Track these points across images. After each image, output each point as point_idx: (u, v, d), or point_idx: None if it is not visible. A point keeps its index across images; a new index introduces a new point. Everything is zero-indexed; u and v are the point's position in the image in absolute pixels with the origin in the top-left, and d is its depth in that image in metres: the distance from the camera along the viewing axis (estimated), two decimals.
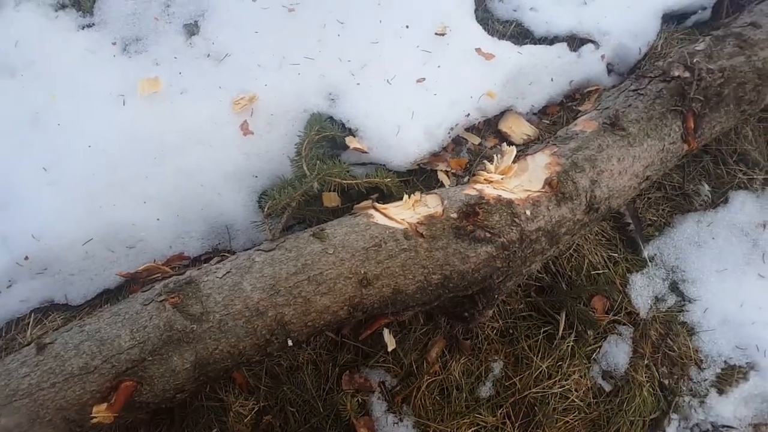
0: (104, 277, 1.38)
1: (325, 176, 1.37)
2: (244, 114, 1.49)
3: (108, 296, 1.40)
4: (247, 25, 1.59)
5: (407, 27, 1.65)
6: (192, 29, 1.58)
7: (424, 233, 1.27)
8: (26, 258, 1.33)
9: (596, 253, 1.63)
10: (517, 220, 1.31)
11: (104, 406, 1.09)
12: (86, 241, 1.35)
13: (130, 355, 1.10)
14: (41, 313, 1.37)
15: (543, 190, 1.36)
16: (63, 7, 1.58)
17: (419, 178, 1.57)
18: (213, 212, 1.44)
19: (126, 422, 1.22)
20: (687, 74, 1.54)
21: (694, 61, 1.57)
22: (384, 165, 1.53)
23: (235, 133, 1.47)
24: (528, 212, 1.33)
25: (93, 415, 1.08)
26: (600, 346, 1.58)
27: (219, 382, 1.36)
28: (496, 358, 1.52)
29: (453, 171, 1.59)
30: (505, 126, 1.67)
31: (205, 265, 1.25)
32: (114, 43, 1.54)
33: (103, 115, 1.44)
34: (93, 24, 1.57)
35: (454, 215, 1.30)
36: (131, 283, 1.36)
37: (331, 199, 1.50)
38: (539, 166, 1.42)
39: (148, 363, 1.11)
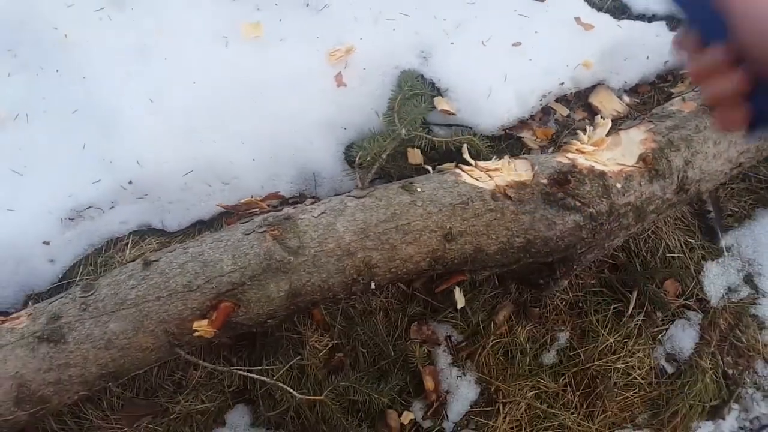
0: (200, 208, 1.48)
1: (410, 122, 1.41)
2: (339, 65, 1.55)
3: (201, 227, 1.50)
4: None
5: None
6: None
7: (512, 196, 1.32)
8: (130, 182, 1.43)
9: (674, 237, 1.64)
10: (608, 192, 1.34)
11: (205, 322, 1.19)
12: (186, 173, 1.44)
13: (231, 278, 1.20)
14: (138, 236, 1.48)
15: (637, 165, 1.38)
16: None
17: (505, 143, 1.60)
18: (303, 158, 1.52)
19: (213, 343, 1.33)
20: None
21: None
22: (471, 128, 1.57)
23: (329, 84, 1.53)
24: (619, 186, 1.35)
25: (195, 329, 1.18)
26: (667, 329, 1.61)
27: (302, 314, 1.45)
28: (562, 328, 1.57)
29: (539, 140, 1.62)
30: (596, 100, 1.68)
31: (300, 204, 1.33)
32: None
33: (206, 53, 1.52)
34: None
35: (545, 181, 1.33)
36: (226, 216, 1.45)
37: (416, 156, 1.55)
38: (634, 142, 1.44)
39: (247, 287, 1.21)
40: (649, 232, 1.64)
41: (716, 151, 1.44)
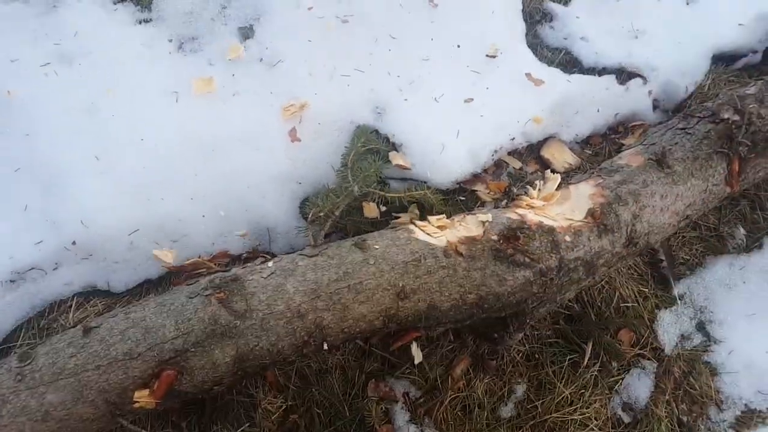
0: (147, 267, 1.46)
1: (364, 179, 1.44)
2: (293, 121, 1.58)
3: (149, 286, 1.49)
4: (301, 33, 1.68)
5: (458, 46, 1.73)
6: (247, 32, 1.67)
7: (463, 252, 1.34)
8: (74, 243, 1.42)
9: (627, 287, 1.69)
10: (557, 247, 1.37)
11: (146, 392, 1.17)
12: (132, 232, 1.44)
13: (174, 345, 1.18)
14: (83, 297, 1.46)
15: (585, 220, 1.43)
16: (122, 0, 1.67)
17: (458, 197, 1.63)
18: (256, 214, 1.53)
19: (159, 410, 1.30)
20: (737, 117, 1.60)
21: (746, 104, 1.62)
22: (425, 182, 1.60)
23: (283, 139, 1.56)
24: (569, 240, 1.39)
25: (135, 399, 1.16)
26: (623, 378, 1.64)
27: (253, 378, 1.42)
28: (519, 380, 1.58)
29: (492, 193, 1.66)
30: (547, 152, 1.74)
31: (249, 264, 1.33)
32: (170, 40, 1.64)
33: (156, 110, 1.54)
34: (150, 19, 1.67)
35: (495, 237, 1.36)
36: (173, 276, 1.44)
37: (371, 210, 1.57)
38: (583, 196, 1.49)
39: (191, 354, 1.19)
40: (603, 282, 1.68)
41: (663, 205, 1.50)
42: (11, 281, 1.40)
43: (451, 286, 1.34)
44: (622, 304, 1.68)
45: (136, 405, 1.17)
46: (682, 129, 1.61)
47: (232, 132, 1.54)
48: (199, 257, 1.41)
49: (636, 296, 1.70)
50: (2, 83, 1.50)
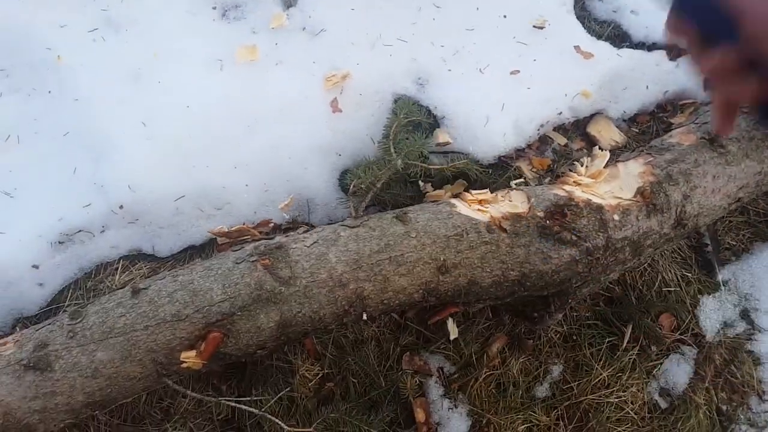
0: (191, 233, 1.49)
1: (407, 153, 1.43)
2: (335, 91, 1.57)
3: (192, 252, 1.52)
4: (344, 1, 1.65)
5: (505, 17, 1.69)
6: (289, 1, 1.66)
7: (507, 228, 1.33)
8: (121, 207, 1.45)
9: (670, 271, 1.66)
10: (605, 226, 1.35)
11: (193, 353, 1.20)
12: (178, 198, 1.46)
13: (220, 308, 1.21)
14: (129, 261, 1.50)
15: (634, 199, 1.40)
16: None
17: (502, 171, 1.61)
18: (297, 185, 1.54)
19: (203, 371, 1.33)
20: None
21: None
22: (467, 155, 1.59)
23: (324, 109, 1.56)
24: (617, 219, 1.37)
25: (182, 360, 1.19)
26: (662, 363, 1.62)
27: (293, 344, 1.45)
28: (556, 361, 1.58)
29: (536, 169, 1.63)
30: (594, 129, 1.70)
31: (292, 232, 1.34)
32: (214, 8, 1.64)
33: (201, 77, 1.55)
34: None
35: (541, 214, 1.35)
36: (218, 243, 1.46)
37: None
38: (632, 175, 1.46)
39: (237, 318, 1.22)
40: (646, 265, 1.65)
41: (715, 186, 1.46)
42: (60, 242, 1.45)
43: (493, 262, 1.33)
44: (664, 288, 1.65)
45: (183, 366, 1.21)
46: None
47: (274, 101, 1.55)
48: (244, 224, 1.43)
49: (679, 280, 1.67)
50: (53, 48, 1.53)
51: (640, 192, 1.40)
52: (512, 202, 1.39)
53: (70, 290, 1.47)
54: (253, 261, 1.26)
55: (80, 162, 1.46)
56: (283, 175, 1.53)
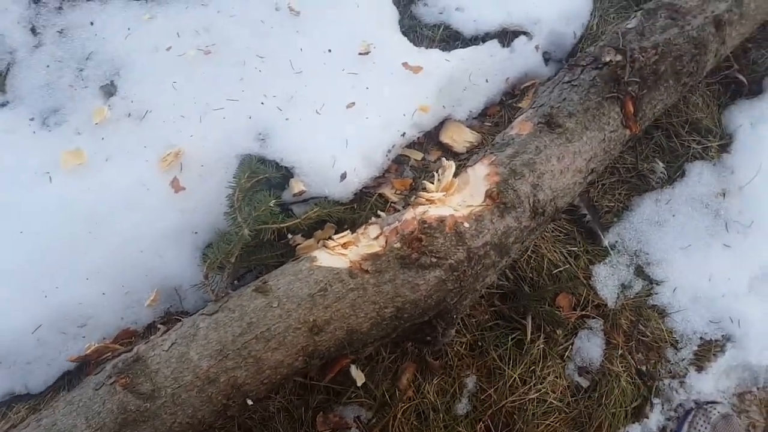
0: (60, 360, 1.41)
1: (253, 221, 1.39)
2: (173, 170, 1.52)
3: (70, 377, 1.43)
4: (164, 76, 1.60)
5: (329, 51, 1.66)
6: (109, 90, 1.60)
7: (369, 269, 1.30)
8: None
9: (555, 251, 1.67)
10: (462, 238, 1.34)
11: None
12: (35, 329, 1.38)
13: None
14: (5, 406, 1.41)
15: (485, 204, 1.39)
16: None
17: (364, 205, 1.59)
18: (158, 276, 1.47)
19: None
20: (619, 57, 1.57)
21: (626, 41, 1.59)
22: (326, 197, 1.56)
23: (166, 192, 1.50)
24: (473, 229, 1.35)
25: None
26: (572, 344, 1.63)
27: None
28: (468, 372, 1.56)
29: (398, 192, 1.62)
30: (446, 136, 1.70)
31: (152, 337, 1.28)
32: (32, 119, 1.55)
33: (31, 196, 1.46)
34: (7, 102, 1.58)
35: (398, 245, 1.32)
36: (87, 365, 1.39)
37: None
38: (479, 178, 1.45)
39: None
40: (529, 252, 1.66)
41: (562, 167, 1.47)
42: None
43: (365, 306, 1.30)
44: (553, 270, 1.66)
45: None
46: (568, 82, 1.57)
47: (112, 199, 1.47)
48: (103, 340, 1.36)
49: (566, 257, 1.68)
50: None
51: (488, 195, 1.40)
52: (369, 242, 1.36)
53: None
54: (111, 383, 1.19)
55: None
56: (140, 270, 1.46)
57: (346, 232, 1.42)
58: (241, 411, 1.27)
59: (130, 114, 1.57)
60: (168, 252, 1.48)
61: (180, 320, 1.39)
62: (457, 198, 1.44)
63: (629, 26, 1.64)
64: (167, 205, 1.49)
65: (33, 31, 1.66)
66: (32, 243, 1.42)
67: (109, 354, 1.31)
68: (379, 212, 1.52)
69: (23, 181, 1.48)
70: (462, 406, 1.55)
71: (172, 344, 1.22)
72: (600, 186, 1.78)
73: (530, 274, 1.64)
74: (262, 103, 1.60)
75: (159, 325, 1.46)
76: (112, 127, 1.56)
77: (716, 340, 1.67)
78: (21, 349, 1.40)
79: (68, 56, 1.62)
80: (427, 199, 1.43)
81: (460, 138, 1.69)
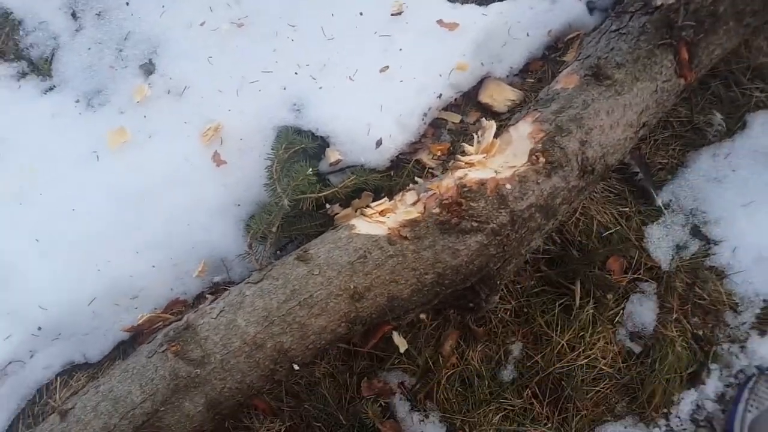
0: (115, 330, 1.48)
1: (292, 191, 1.40)
2: (214, 144, 1.54)
3: (125, 346, 1.50)
4: (200, 51, 1.61)
5: (361, 14, 1.63)
6: (148, 68, 1.62)
7: (408, 235, 1.29)
8: (39, 328, 1.45)
9: (605, 212, 1.60)
10: (504, 201, 1.30)
11: None
12: (90, 301, 1.45)
13: (143, 408, 1.20)
14: (66, 375, 1.50)
15: (529, 163, 1.34)
16: (23, 75, 1.66)
17: (401, 171, 1.57)
18: (205, 249, 1.51)
19: None
20: (671, 0, 1.46)
21: None
22: (362, 165, 1.54)
23: (208, 166, 1.53)
24: (516, 190, 1.31)
25: None
26: (623, 308, 1.57)
27: (244, 410, 1.44)
28: (513, 339, 1.54)
29: (436, 157, 1.59)
30: (485, 96, 1.64)
31: (201, 306, 1.32)
32: (77, 101, 1.61)
33: (80, 175, 1.52)
34: (54, 86, 1.64)
35: (436, 210, 1.30)
36: (140, 335, 1.45)
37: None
38: (522, 137, 1.40)
39: (162, 413, 1.21)
40: (577, 214, 1.60)
41: (612, 121, 1.39)
42: None
43: (405, 273, 1.29)
44: (604, 233, 1.59)
45: None
46: (615, 31, 1.48)
47: (157, 175, 1.51)
48: (154, 310, 1.42)
49: (617, 219, 1.61)
50: None
51: (533, 154, 1.35)
52: (407, 209, 1.34)
53: (20, 422, 1.48)
54: (163, 351, 1.24)
55: None
56: (187, 243, 1.50)
57: (383, 200, 1.41)
58: (288, 376, 1.30)
59: (170, 91, 1.60)
60: (213, 225, 1.51)
61: (227, 290, 1.43)
62: (499, 159, 1.40)
63: None
64: (210, 179, 1.52)
65: (73, 15, 1.70)
66: (84, 220, 1.48)
67: (161, 323, 1.37)
68: (416, 178, 1.50)
69: (73, 160, 1.54)
70: (507, 373, 1.53)
71: (220, 312, 1.26)
72: (652, 141, 1.68)
73: (579, 238, 1.58)
74: (296, 73, 1.59)
75: (207, 295, 1.51)
76: (152, 105, 1.59)
77: None
78: (78, 321, 1.47)
79: (107, 38, 1.66)
80: (466, 162, 1.40)
81: (500, 96, 1.63)
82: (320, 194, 1.43)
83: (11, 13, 1.74)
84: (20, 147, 1.57)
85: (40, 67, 1.67)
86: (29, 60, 1.69)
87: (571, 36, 1.68)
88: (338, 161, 1.53)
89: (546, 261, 1.58)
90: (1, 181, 1.54)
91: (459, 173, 1.36)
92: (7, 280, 1.46)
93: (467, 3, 1.67)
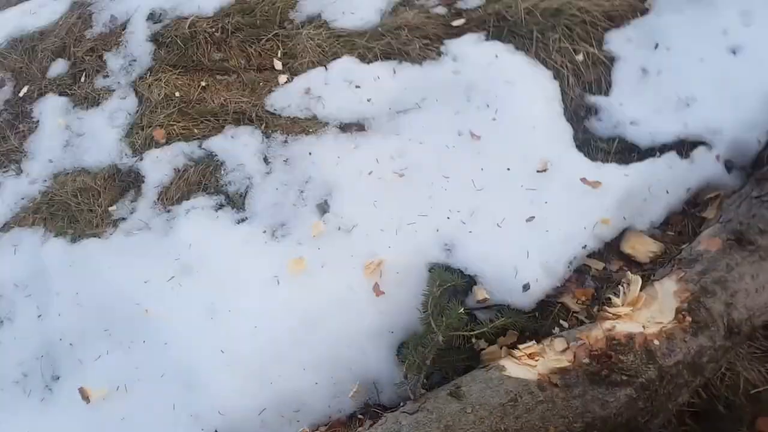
0: None
1: (445, 328, 1.56)
2: (375, 276, 1.77)
3: None
4: (367, 195, 1.91)
5: (509, 169, 1.86)
6: (323, 207, 1.94)
7: (558, 383, 1.39)
8: (216, 431, 1.67)
9: (752, 369, 1.60)
10: (653, 357, 1.38)
11: None
12: (261, 411, 1.66)
13: None
14: None
15: (676, 321, 1.42)
16: (221, 207, 2.04)
17: (546, 313, 1.69)
18: (360, 370, 1.70)
19: None
20: None
21: None
22: (509, 305, 1.70)
23: (369, 295, 1.75)
24: (664, 347, 1.39)
25: None
26: None
27: None
28: None
29: (580, 302, 1.70)
30: (627, 246, 1.76)
31: (359, 429, 1.49)
32: (264, 231, 1.94)
33: (263, 297, 1.80)
34: (246, 218, 1.99)
35: (586, 360, 1.40)
36: None
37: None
38: (668, 294, 1.49)
39: None
40: (723, 369, 1.61)
41: (757, 285, 1.45)
42: None
43: (554, 419, 1.38)
44: (751, 390, 1.59)
45: None
46: (757, 198, 1.57)
47: (325, 300, 1.76)
48: (316, 429, 1.60)
49: (765, 376, 1.60)
50: (141, 303, 1.87)
51: (679, 312, 1.43)
52: (557, 356, 1.45)
53: None
54: None
55: (177, 398, 1.71)
56: (346, 364, 1.70)
57: (531, 342, 1.53)
58: None
59: (340, 228, 1.89)
60: (369, 348, 1.71)
61: (377, 412, 1.59)
62: (645, 313, 1.49)
63: None
64: (369, 307, 1.74)
65: (265, 160, 2.10)
66: (263, 336, 1.74)
67: None
68: (561, 321, 1.62)
69: (258, 283, 1.84)
70: None
71: None
72: None
73: (725, 393, 1.58)
74: (448, 218, 1.83)
75: (359, 415, 1.67)
76: (326, 240, 1.88)
77: None
78: (248, 428, 1.68)
79: (292, 180, 2.02)
80: (613, 314, 1.50)
81: (642, 248, 1.74)
82: (471, 332, 1.58)
83: (216, 155, 2.18)
84: (216, 268, 1.90)
85: (236, 201, 2.04)
86: (227, 194, 2.08)
87: (709, 195, 1.79)
88: (485, 299, 1.70)
89: (690, 414, 1.59)
90: (199, 296, 1.85)
91: (607, 324, 1.46)
92: (194, 384, 1.72)
93: (609, 162, 1.85)
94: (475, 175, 1.87)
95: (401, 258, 1.80)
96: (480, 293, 1.72)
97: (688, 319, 1.41)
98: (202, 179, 2.12)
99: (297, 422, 1.68)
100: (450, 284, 1.70)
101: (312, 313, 1.75)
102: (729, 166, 1.84)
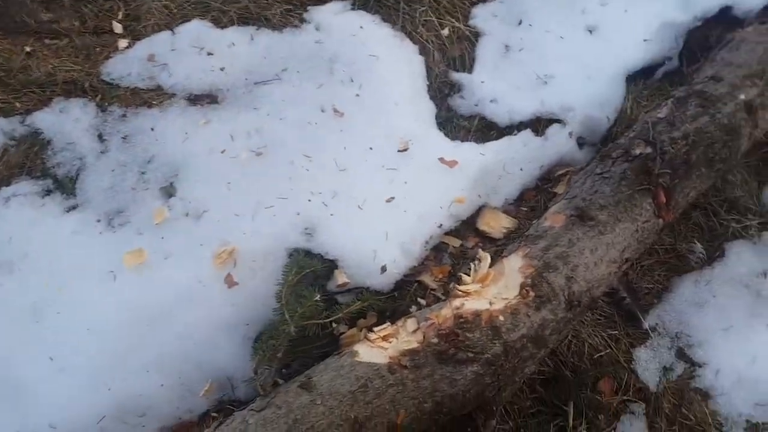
0: None
1: (298, 317, 1.54)
2: (227, 267, 1.69)
3: None
4: (219, 177, 1.80)
5: (371, 149, 1.84)
6: (169, 191, 1.80)
7: (407, 365, 1.42)
8: None
9: (595, 335, 1.75)
10: (498, 332, 1.45)
11: None
12: (100, 420, 1.54)
13: None
14: None
15: (520, 297, 1.50)
16: (48, 193, 1.82)
17: (405, 293, 1.72)
18: (212, 367, 1.62)
19: None
20: (649, 150, 1.68)
21: (656, 133, 1.70)
22: (368, 288, 1.70)
23: (220, 287, 1.67)
24: (509, 322, 1.46)
25: None
26: (614, 429, 1.68)
27: None
28: None
29: (438, 279, 1.75)
30: (482, 223, 1.82)
31: (206, 430, 1.43)
32: (99, 220, 1.76)
33: (97, 294, 1.65)
34: (77, 205, 1.80)
35: (435, 340, 1.44)
36: None
37: None
38: (513, 270, 1.56)
39: None
40: (569, 337, 1.74)
41: (595, 259, 1.56)
42: None
43: (404, 402, 1.41)
44: (594, 355, 1.73)
45: None
46: (599, 174, 1.68)
47: (170, 295, 1.64)
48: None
49: (607, 341, 1.75)
50: None
51: (523, 287, 1.51)
52: (407, 337, 1.48)
53: None
54: None
55: (3, 415, 1.54)
56: (195, 362, 1.61)
57: (386, 324, 1.55)
58: None
59: (188, 213, 1.77)
60: (221, 344, 1.63)
61: (232, 408, 1.54)
62: (493, 289, 1.55)
63: (659, 116, 1.75)
64: (221, 300, 1.66)
65: (100, 137, 1.90)
66: (98, 338, 1.60)
67: None
68: (419, 299, 1.66)
69: (90, 279, 1.67)
70: None
71: None
72: (639, 268, 1.86)
73: (571, 359, 1.71)
74: (309, 200, 1.78)
75: (213, 414, 1.61)
76: (171, 227, 1.75)
77: (764, 423, 1.69)
78: None
79: (131, 160, 1.85)
80: (464, 291, 1.55)
81: (496, 224, 1.82)
82: (326, 320, 1.57)
83: (41, 132, 1.94)
84: (40, 264, 1.70)
85: (65, 186, 1.84)
86: (55, 178, 1.86)
87: (560, 172, 1.90)
88: (345, 283, 1.69)
89: (541, 381, 1.71)
90: (19, 298, 1.66)
91: (456, 302, 1.51)
92: (19, 398, 1.55)
93: (467, 141, 1.90)
94: (337, 155, 1.83)
95: (258, 245, 1.72)
96: (340, 277, 1.70)
97: (532, 294, 1.49)
98: (25, 161, 1.89)
99: (142, 427, 1.57)
100: (309, 270, 1.67)
101: (154, 309, 1.64)
102: (581, 142, 1.95)
